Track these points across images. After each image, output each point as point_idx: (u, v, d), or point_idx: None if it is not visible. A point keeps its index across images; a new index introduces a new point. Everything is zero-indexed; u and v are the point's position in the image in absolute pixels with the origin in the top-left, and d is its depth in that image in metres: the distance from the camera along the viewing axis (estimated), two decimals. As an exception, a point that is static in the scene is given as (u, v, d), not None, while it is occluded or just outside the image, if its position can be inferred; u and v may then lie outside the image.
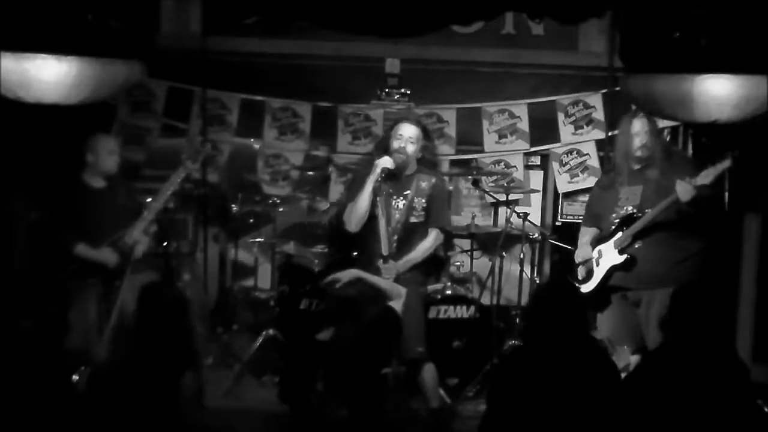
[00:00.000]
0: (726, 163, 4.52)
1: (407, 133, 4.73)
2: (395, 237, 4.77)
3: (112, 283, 4.94)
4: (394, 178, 4.77)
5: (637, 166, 4.86)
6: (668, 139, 6.03)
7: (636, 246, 4.78)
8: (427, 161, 4.88)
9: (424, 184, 4.81)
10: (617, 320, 4.96)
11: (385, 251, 4.58)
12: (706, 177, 4.54)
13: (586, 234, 5.09)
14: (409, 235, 4.80)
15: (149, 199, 5.15)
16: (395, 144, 4.72)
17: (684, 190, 4.55)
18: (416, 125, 4.82)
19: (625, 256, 4.79)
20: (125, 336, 4.75)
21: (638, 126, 4.79)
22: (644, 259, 4.77)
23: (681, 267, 4.74)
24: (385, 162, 4.63)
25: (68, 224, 4.97)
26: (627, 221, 4.80)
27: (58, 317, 4.93)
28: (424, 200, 4.80)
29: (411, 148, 4.72)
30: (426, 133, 4.90)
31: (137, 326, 3.78)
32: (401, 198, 4.78)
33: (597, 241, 4.98)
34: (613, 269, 4.84)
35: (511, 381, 3.41)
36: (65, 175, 5.19)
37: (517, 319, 5.95)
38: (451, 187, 6.24)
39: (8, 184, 5.48)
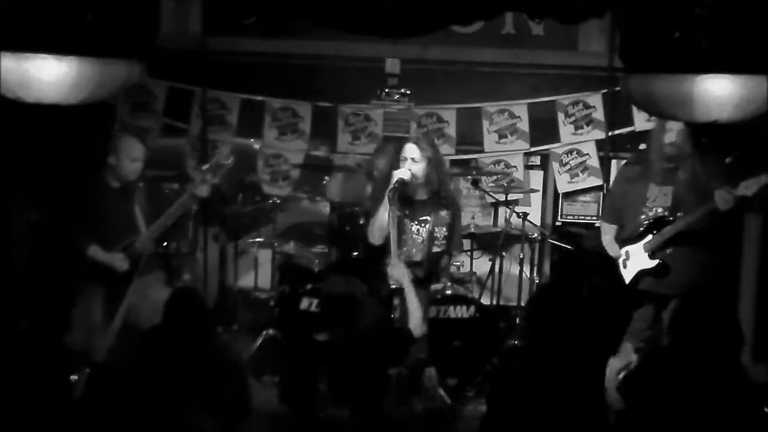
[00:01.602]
0: None
1: (408, 154, 4.67)
2: (420, 267, 4.73)
3: (119, 286, 4.92)
4: (408, 202, 4.70)
5: (667, 165, 4.80)
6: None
7: (667, 251, 4.72)
8: (438, 191, 4.75)
9: (443, 213, 4.76)
10: (634, 322, 4.88)
11: (393, 255, 4.56)
12: (747, 188, 4.50)
13: (609, 231, 5.00)
14: (433, 266, 4.78)
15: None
16: (401, 165, 4.67)
17: (723, 199, 4.51)
18: (416, 143, 4.75)
19: (657, 261, 4.72)
20: (129, 338, 4.77)
21: (671, 122, 4.74)
22: (676, 265, 4.71)
23: (709, 273, 4.71)
24: (402, 173, 4.59)
25: (82, 224, 4.94)
26: (658, 224, 4.73)
27: (60, 316, 4.93)
28: (444, 229, 4.75)
29: (416, 167, 4.65)
30: (431, 157, 4.74)
31: (161, 330, 3.80)
32: (417, 224, 4.73)
33: (623, 241, 4.89)
34: (643, 273, 4.77)
35: (512, 381, 3.41)
36: (81, 175, 5.16)
37: (518, 319, 5.96)
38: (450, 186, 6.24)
39: (8, 184, 5.48)
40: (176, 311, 3.87)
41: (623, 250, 4.87)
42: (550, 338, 3.42)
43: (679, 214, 4.71)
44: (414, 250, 4.70)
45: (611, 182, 5.39)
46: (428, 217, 4.71)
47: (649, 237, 4.75)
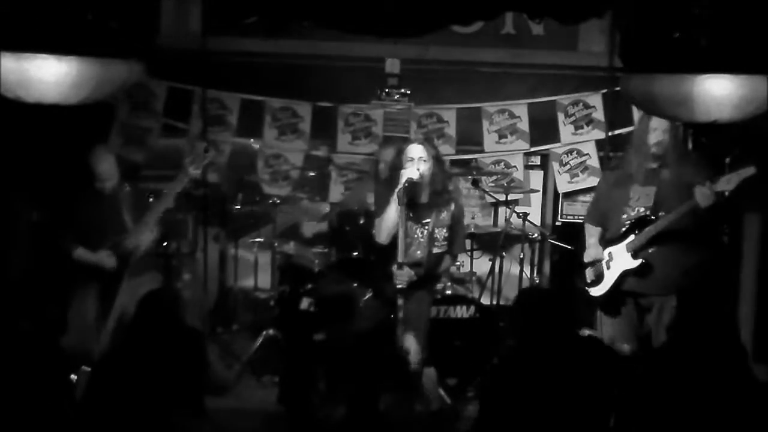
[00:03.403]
0: (750, 171, 4.43)
1: (416, 154, 4.66)
2: (420, 267, 4.73)
3: (112, 286, 4.94)
4: (412, 205, 4.67)
5: (651, 165, 4.74)
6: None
7: (650, 251, 4.67)
8: (441, 192, 4.77)
9: (444, 215, 4.75)
10: (621, 323, 4.83)
11: (400, 258, 4.56)
12: (728, 183, 4.44)
13: (594, 234, 4.96)
14: (433, 267, 4.77)
15: (152, 200, 5.14)
16: (407, 166, 4.68)
17: (703, 195, 4.46)
18: (422, 144, 4.76)
19: (639, 260, 4.66)
20: (123, 338, 4.76)
21: (657, 121, 4.69)
22: (660, 265, 4.66)
23: (694, 272, 4.68)
24: (410, 173, 4.59)
25: (68, 227, 4.97)
26: (640, 223, 4.68)
27: (57, 317, 4.94)
28: (444, 230, 4.74)
29: (423, 167, 4.66)
30: (437, 157, 4.78)
31: (133, 331, 3.78)
32: (420, 226, 4.72)
33: (605, 243, 4.85)
34: (626, 274, 4.72)
35: (504, 385, 3.41)
36: (67, 178, 5.18)
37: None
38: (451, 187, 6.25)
39: (8, 184, 5.48)
40: (146, 314, 3.82)
41: (606, 252, 4.82)
42: (540, 338, 3.43)
43: (660, 213, 4.68)
44: (418, 252, 4.71)
45: (596, 186, 5.34)
46: (429, 219, 4.71)
47: (632, 237, 4.71)
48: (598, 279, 4.84)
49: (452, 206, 4.80)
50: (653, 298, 4.71)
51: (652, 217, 4.67)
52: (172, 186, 5.09)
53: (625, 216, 4.76)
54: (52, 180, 5.39)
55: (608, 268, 4.80)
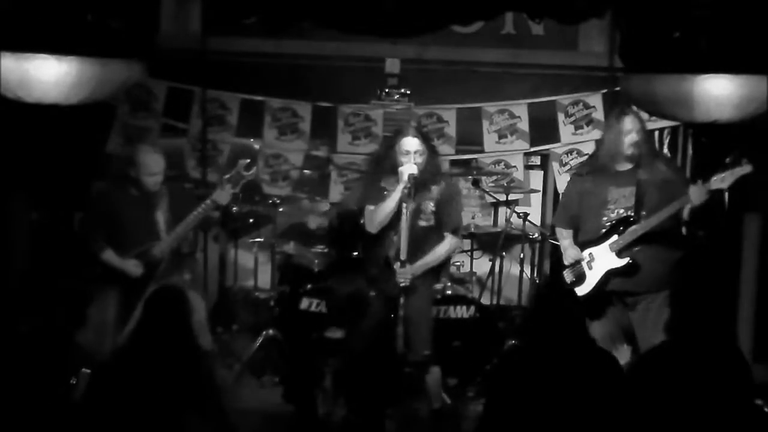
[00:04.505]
0: (746, 168, 4.40)
1: (412, 147, 4.64)
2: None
3: (136, 290, 4.85)
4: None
5: (625, 167, 4.70)
6: (668, 139, 6.03)
7: (635, 249, 4.63)
8: (431, 174, 4.72)
9: (433, 189, 4.71)
10: (607, 322, 4.78)
11: (403, 256, 4.54)
12: (722, 181, 4.42)
13: (567, 236, 4.91)
14: (418, 240, 4.66)
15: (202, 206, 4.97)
16: (404, 160, 4.64)
17: (697, 193, 4.43)
18: (417, 136, 4.74)
19: (626, 259, 4.62)
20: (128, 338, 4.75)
21: (629, 123, 4.63)
22: (646, 262, 4.63)
23: (680, 267, 4.68)
24: (411, 168, 4.55)
25: (98, 228, 4.92)
26: (623, 224, 4.64)
27: (70, 316, 4.91)
28: (432, 203, 4.69)
29: (420, 159, 4.63)
30: (429, 144, 4.75)
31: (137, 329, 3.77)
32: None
33: (582, 244, 4.81)
34: (611, 273, 4.68)
35: (510, 382, 3.41)
36: (96, 179, 5.13)
37: (517, 319, 5.96)
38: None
39: (8, 184, 5.49)
40: (154, 311, 3.81)
41: (586, 252, 4.78)
42: (551, 337, 3.42)
43: (643, 213, 4.65)
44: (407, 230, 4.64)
45: (562, 191, 5.28)
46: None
47: (615, 237, 4.66)
48: (579, 279, 4.79)
49: (442, 184, 4.76)
50: (639, 296, 4.69)
51: (633, 218, 4.64)
52: (208, 204, 4.93)
53: (605, 218, 4.70)
54: (58, 180, 5.38)
55: (590, 268, 4.75)
